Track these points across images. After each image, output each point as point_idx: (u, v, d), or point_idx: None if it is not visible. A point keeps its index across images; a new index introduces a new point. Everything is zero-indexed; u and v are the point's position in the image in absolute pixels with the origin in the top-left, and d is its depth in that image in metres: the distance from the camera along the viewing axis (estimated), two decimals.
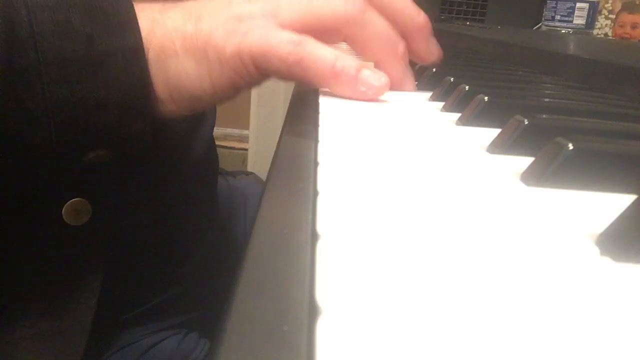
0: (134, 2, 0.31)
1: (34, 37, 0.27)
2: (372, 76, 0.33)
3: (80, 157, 0.31)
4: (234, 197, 0.68)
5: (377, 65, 0.36)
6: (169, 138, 0.47)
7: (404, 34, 0.38)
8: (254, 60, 0.32)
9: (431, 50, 0.40)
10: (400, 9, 0.38)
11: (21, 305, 0.35)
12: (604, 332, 0.11)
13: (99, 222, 0.34)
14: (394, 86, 0.36)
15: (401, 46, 0.36)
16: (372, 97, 0.33)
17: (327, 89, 0.34)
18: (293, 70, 0.32)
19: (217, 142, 0.61)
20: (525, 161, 0.22)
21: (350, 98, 0.33)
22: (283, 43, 0.32)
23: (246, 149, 1.81)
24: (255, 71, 0.32)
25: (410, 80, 0.39)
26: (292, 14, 0.33)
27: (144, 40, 0.31)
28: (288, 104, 0.35)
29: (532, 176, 0.20)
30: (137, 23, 0.31)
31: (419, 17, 0.39)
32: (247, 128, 1.78)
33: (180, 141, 0.51)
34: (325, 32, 0.33)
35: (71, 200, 0.33)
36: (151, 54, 0.31)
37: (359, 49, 0.36)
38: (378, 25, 0.35)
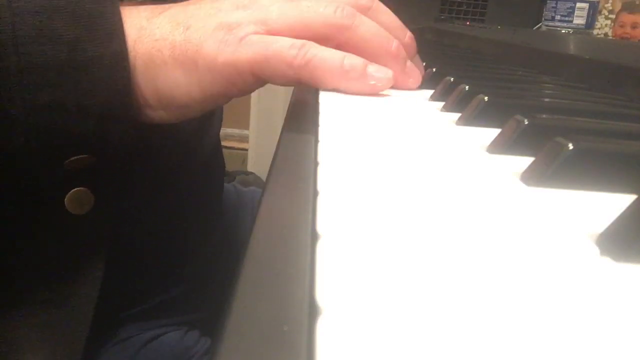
0: (121, 7, 0.31)
1: (15, 42, 0.27)
2: (379, 70, 0.33)
3: (61, 161, 0.31)
4: (242, 203, 0.68)
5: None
6: (178, 136, 0.47)
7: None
8: (252, 69, 0.32)
9: (408, 74, 0.38)
10: (387, 23, 0.37)
11: (22, 294, 0.36)
12: (604, 332, 0.11)
13: (101, 212, 0.34)
14: (395, 85, 0.36)
15: (395, 44, 0.36)
16: (380, 90, 0.34)
17: (332, 88, 0.34)
18: (301, 73, 0.32)
19: (220, 142, 0.61)
20: (525, 161, 0.22)
21: (359, 94, 0.33)
22: (286, 48, 0.32)
23: (246, 149, 1.81)
24: (252, 79, 0.32)
25: (412, 76, 0.38)
26: (282, 22, 0.33)
27: (131, 48, 0.31)
28: (288, 104, 0.35)
29: (532, 176, 0.20)
30: (123, 30, 0.31)
31: (403, 35, 0.38)
32: (247, 128, 1.78)
33: (188, 139, 0.51)
34: (315, 39, 0.33)
35: (74, 190, 0.33)
36: (139, 62, 0.31)
37: (354, 53, 0.36)
38: (369, 27, 0.35)
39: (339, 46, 0.34)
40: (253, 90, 0.35)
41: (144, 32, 0.32)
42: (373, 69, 0.33)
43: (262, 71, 0.32)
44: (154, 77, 0.32)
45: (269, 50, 0.31)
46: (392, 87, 0.36)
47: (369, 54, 0.35)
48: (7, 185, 0.32)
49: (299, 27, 0.33)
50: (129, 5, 0.32)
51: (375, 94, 0.34)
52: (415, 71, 0.38)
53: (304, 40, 0.32)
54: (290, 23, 0.33)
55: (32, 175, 0.31)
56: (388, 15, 0.38)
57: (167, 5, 0.34)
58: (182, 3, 0.34)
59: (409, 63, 0.38)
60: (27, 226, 0.34)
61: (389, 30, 0.37)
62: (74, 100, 0.29)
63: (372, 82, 0.33)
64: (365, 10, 0.36)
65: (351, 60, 0.33)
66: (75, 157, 0.31)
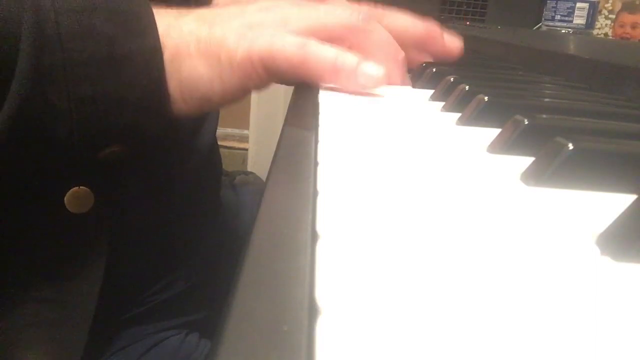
0: (152, 7, 0.33)
1: (60, 38, 0.29)
2: (371, 68, 0.34)
3: (96, 152, 0.32)
4: (242, 203, 0.68)
5: None
6: (175, 135, 0.47)
7: (416, 45, 0.43)
8: (263, 63, 0.33)
9: (449, 46, 0.43)
10: (403, 27, 0.42)
11: (23, 293, 0.36)
12: (604, 331, 0.11)
13: (101, 211, 0.35)
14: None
15: (401, 55, 0.39)
16: (371, 89, 0.35)
17: (330, 85, 0.35)
18: (298, 70, 0.34)
19: (217, 141, 0.61)
20: (525, 161, 0.22)
21: (351, 92, 0.34)
22: (288, 45, 0.33)
23: (246, 149, 1.81)
24: (264, 73, 0.34)
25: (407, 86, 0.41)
26: (300, 23, 0.35)
27: (161, 43, 0.32)
28: (288, 104, 0.35)
29: (532, 176, 0.20)
30: (156, 26, 0.32)
31: (418, 28, 0.43)
32: (247, 128, 1.78)
33: (185, 138, 0.51)
34: (331, 40, 0.35)
35: (74, 188, 0.33)
36: (166, 55, 0.33)
37: (363, 55, 0.37)
38: (381, 34, 0.38)
39: (352, 47, 0.36)
40: (267, 86, 0.36)
41: (172, 28, 0.33)
42: (366, 66, 0.34)
43: (269, 66, 0.34)
44: (179, 69, 0.33)
45: (274, 46, 0.33)
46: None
47: (377, 58, 0.36)
48: (8, 184, 0.32)
49: (317, 27, 0.35)
50: (156, 7, 0.34)
51: (365, 92, 0.34)
52: (407, 82, 0.42)
53: (309, 39, 0.34)
54: (309, 24, 0.35)
55: (65, 166, 0.33)
56: (402, 18, 0.42)
57: (193, 9, 0.36)
58: (208, 7, 0.36)
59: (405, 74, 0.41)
60: (27, 225, 0.35)
61: (406, 31, 0.41)
62: (113, 94, 0.31)
63: (363, 81, 0.34)
64: (380, 19, 0.39)
65: (344, 58, 0.34)
66: (109, 149, 0.32)
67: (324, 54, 0.34)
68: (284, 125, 0.28)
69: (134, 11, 0.32)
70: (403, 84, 0.40)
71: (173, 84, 0.33)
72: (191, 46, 0.33)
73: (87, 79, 0.30)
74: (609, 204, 0.18)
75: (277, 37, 0.34)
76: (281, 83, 0.36)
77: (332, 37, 0.35)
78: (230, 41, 0.33)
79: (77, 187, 0.34)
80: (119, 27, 0.31)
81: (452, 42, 0.44)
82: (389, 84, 0.38)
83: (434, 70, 0.42)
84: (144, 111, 0.32)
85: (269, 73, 0.34)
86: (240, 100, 0.38)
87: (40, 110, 0.29)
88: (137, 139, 0.33)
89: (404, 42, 0.41)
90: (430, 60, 0.47)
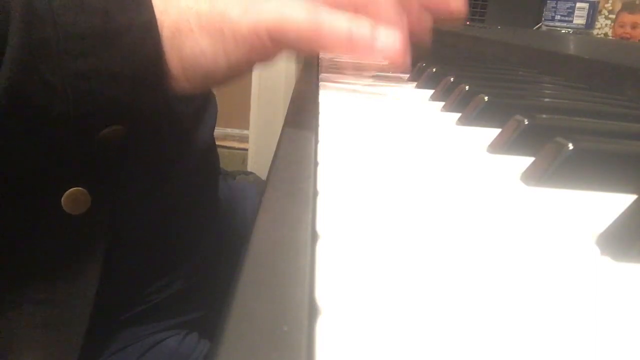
0: None
1: (52, 12, 0.29)
2: (388, 35, 0.34)
3: (95, 132, 0.32)
4: (234, 198, 0.68)
5: None
6: (173, 127, 0.47)
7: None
8: (270, 35, 0.33)
9: (452, 6, 0.42)
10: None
11: (20, 295, 0.36)
12: (604, 331, 0.11)
13: (98, 212, 0.34)
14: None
15: (404, 17, 0.38)
16: (388, 57, 0.34)
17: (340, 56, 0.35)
18: (309, 42, 0.33)
19: (217, 142, 0.61)
20: (525, 161, 0.22)
21: (367, 59, 0.34)
22: (296, 12, 0.32)
23: (246, 149, 1.81)
24: (272, 45, 0.33)
25: (408, 54, 0.39)
26: None
27: (157, 19, 0.32)
28: (288, 104, 0.35)
29: (532, 176, 0.20)
30: (151, 2, 0.31)
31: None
32: (247, 128, 1.78)
33: (186, 128, 0.51)
34: (339, 5, 0.34)
35: (70, 189, 0.33)
36: (165, 32, 0.32)
37: (372, 18, 0.37)
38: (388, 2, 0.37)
39: (357, 10, 0.35)
40: (273, 57, 0.35)
41: (170, 4, 0.33)
42: (382, 34, 0.34)
43: (277, 37, 0.33)
44: (180, 46, 0.33)
45: (282, 15, 0.32)
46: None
47: (383, 21, 0.35)
48: (6, 178, 0.32)
49: None
50: None
51: (384, 59, 0.34)
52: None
53: (317, 5, 0.33)
54: None
55: (65, 150, 0.32)
56: None
57: None
58: None
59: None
60: (24, 226, 0.34)
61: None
62: (108, 68, 0.30)
63: (379, 50, 0.34)
64: None
65: (359, 29, 0.33)
66: (108, 129, 0.32)
67: (338, 23, 0.33)
68: (284, 125, 0.28)
69: None
70: (407, 52, 0.39)
71: (174, 62, 0.33)
72: (191, 21, 0.33)
73: (80, 53, 0.29)
74: (609, 204, 0.18)
75: (286, 7, 0.33)
76: (287, 53, 0.35)
77: (339, 3, 0.35)
78: (233, 14, 0.33)
79: (74, 188, 0.33)
80: (113, 2, 0.30)
81: (456, 2, 0.43)
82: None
83: (434, 70, 0.42)
84: (140, 87, 0.32)
85: (277, 45, 0.33)
86: (245, 75, 0.37)
87: (35, 87, 0.29)
88: (135, 117, 0.32)
89: (409, 2, 0.40)
90: (431, 23, 0.46)
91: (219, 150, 0.62)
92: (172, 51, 0.33)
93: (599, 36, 1.67)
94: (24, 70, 0.28)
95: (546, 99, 0.36)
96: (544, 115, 0.26)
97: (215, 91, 0.60)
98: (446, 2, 0.44)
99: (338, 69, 0.50)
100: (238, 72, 0.35)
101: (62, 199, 0.33)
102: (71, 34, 0.29)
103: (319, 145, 0.22)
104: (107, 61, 0.30)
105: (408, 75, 0.47)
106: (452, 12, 0.44)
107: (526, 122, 0.24)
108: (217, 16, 0.33)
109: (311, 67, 0.49)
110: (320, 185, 0.18)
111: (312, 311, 0.11)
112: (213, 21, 0.33)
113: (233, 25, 0.33)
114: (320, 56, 0.56)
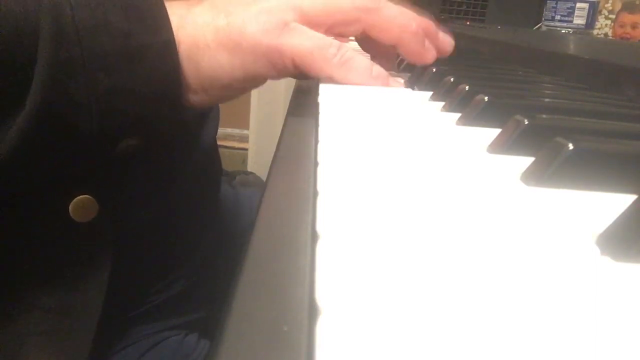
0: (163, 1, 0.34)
1: (77, 33, 0.30)
2: (382, 70, 0.38)
3: (114, 145, 0.33)
4: (240, 203, 0.68)
5: (398, 44, 0.40)
6: (180, 132, 0.47)
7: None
8: (294, 57, 0.34)
9: (428, 50, 0.42)
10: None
11: (28, 302, 0.36)
12: (604, 331, 0.11)
13: (105, 219, 0.35)
14: (415, 60, 0.41)
15: (415, 23, 0.40)
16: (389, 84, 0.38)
17: (330, 81, 0.37)
18: (337, 71, 0.35)
19: (217, 142, 0.61)
20: (525, 161, 0.22)
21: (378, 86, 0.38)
22: (327, 45, 0.35)
23: (246, 149, 1.81)
24: (291, 66, 0.35)
25: (430, 53, 0.42)
26: (315, 6, 0.36)
27: (175, 35, 0.33)
28: (288, 104, 0.36)
29: (532, 176, 0.20)
30: (169, 21, 0.33)
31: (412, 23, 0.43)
32: (247, 128, 1.78)
33: (192, 130, 0.52)
34: (346, 22, 0.37)
35: (78, 197, 0.33)
36: (182, 48, 0.33)
37: (378, 33, 0.39)
38: (392, 8, 0.39)
39: (366, 28, 0.38)
40: (287, 76, 0.37)
41: (186, 20, 0.34)
42: (380, 69, 0.38)
43: (303, 62, 0.35)
44: (197, 60, 0.34)
45: (313, 44, 0.34)
46: (415, 62, 0.42)
47: (393, 32, 0.39)
48: (13, 192, 0.32)
49: (331, 10, 0.37)
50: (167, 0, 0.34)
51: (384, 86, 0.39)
52: (431, 49, 0.42)
53: (340, 42, 0.35)
54: (323, 7, 0.36)
55: (84, 161, 0.33)
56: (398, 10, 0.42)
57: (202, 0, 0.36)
58: None
59: (427, 41, 0.42)
60: (32, 234, 0.35)
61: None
62: (130, 87, 0.31)
63: (392, 85, 0.39)
64: None
65: (378, 68, 0.38)
66: (125, 142, 0.33)
67: (362, 60, 0.36)
68: (284, 125, 0.28)
69: (147, 5, 0.32)
70: (425, 54, 0.41)
71: (192, 76, 0.34)
72: (209, 37, 0.34)
73: (105, 71, 0.30)
74: (609, 204, 0.18)
75: (310, 37, 0.35)
76: (311, 78, 0.38)
77: (346, 19, 0.37)
78: (252, 29, 0.34)
79: (81, 196, 0.34)
80: (133, 21, 0.31)
81: (445, 40, 0.44)
82: (407, 54, 0.40)
83: (434, 70, 0.42)
84: (161, 103, 0.33)
85: (296, 67, 0.35)
86: (257, 87, 0.39)
87: (63, 104, 0.30)
88: (154, 131, 0.34)
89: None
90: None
91: (219, 150, 0.62)
92: (190, 66, 0.34)
93: (599, 36, 1.67)
94: (53, 88, 0.29)
95: (546, 99, 0.36)
96: (544, 115, 0.26)
97: None
98: (435, 40, 0.44)
99: None
100: (253, 84, 0.37)
101: (70, 206, 0.33)
102: (95, 53, 0.30)
103: (319, 145, 0.22)
104: (129, 79, 0.31)
105: (408, 76, 0.47)
106: (441, 50, 0.44)
107: (526, 122, 0.24)
108: (236, 31, 0.34)
109: None
110: (320, 185, 0.18)
111: (312, 311, 0.11)
112: (231, 36, 0.34)
113: (254, 39, 0.34)
114: None
